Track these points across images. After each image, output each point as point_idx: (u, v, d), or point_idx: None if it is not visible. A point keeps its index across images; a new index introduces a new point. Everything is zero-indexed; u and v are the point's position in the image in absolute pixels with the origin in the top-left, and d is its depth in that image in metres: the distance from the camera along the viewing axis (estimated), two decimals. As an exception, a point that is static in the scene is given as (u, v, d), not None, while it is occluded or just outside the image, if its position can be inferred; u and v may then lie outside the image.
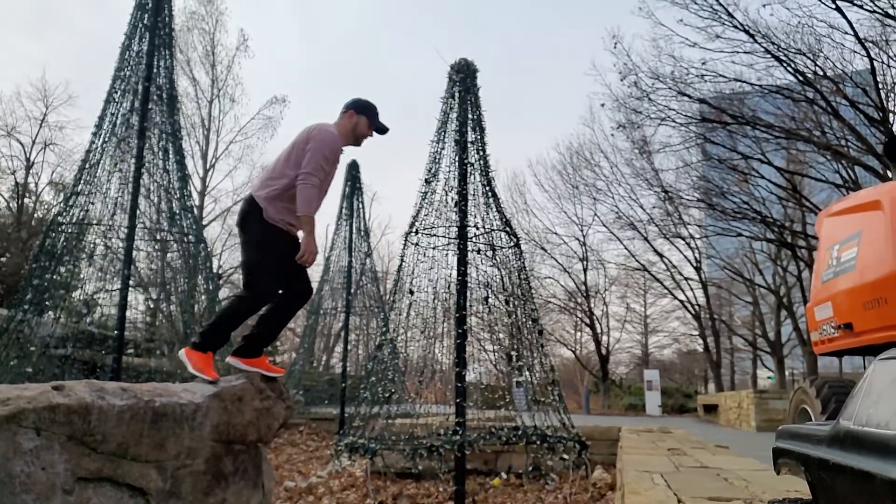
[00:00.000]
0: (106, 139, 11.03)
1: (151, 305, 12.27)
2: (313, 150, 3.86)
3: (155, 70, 11.25)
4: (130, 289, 10.45)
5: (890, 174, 8.34)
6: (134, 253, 10.48)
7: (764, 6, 20.15)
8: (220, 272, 32.40)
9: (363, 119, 4.20)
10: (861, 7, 16.88)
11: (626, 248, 37.83)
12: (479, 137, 10.34)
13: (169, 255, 11.82)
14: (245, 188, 34.91)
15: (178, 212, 11.31)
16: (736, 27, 18.94)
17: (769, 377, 39.61)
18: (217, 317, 4.00)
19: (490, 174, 10.52)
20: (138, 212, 10.49)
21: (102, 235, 10.93)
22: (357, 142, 4.25)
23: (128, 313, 10.31)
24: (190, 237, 11.54)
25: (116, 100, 11.16)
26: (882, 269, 5.61)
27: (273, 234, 3.85)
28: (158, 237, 11.48)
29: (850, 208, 6.74)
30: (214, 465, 3.60)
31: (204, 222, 30.97)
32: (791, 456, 2.05)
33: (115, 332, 10.09)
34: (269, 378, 3.99)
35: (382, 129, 4.30)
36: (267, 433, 4.06)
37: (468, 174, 10.05)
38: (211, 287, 11.85)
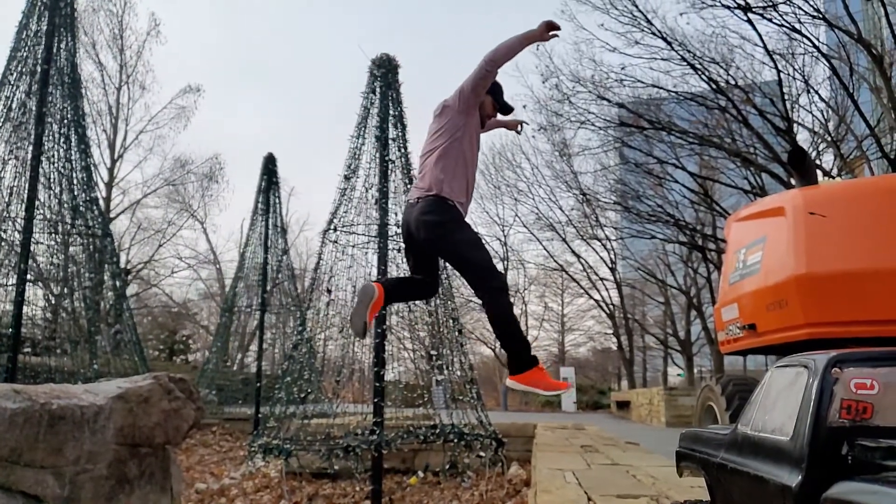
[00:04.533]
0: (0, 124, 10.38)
1: (52, 301, 11.64)
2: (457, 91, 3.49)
3: (55, 52, 10.64)
4: (28, 284, 9.88)
5: (793, 182, 8.72)
6: (32, 246, 9.91)
7: (681, 14, 20.87)
8: (127, 268, 31.16)
9: (488, 98, 3.69)
10: (770, 21, 17.68)
11: (545, 249, 38.53)
12: (400, 134, 10.27)
13: (72, 248, 11.22)
14: (155, 179, 33.72)
15: (81, 203, 10.75)
16: (654, 34, 19.53)
17: (679, 374, 41.07)
18: (506, 335, 3.34)
19: (412, 172, 10.46)
20: (37, 202, 9.91)
21: (-5, 227, 10.28)
22: (481, 122, 3.74)
23: (25, 309, 9.75)
24: (95, 230, 10.99)
25: (12, 82, 10.51)
26: (783, 272, 5.85)
27: (459, 213, 3.44)
28: (60, 230, 10.88)
29: (756, 214, 7.02)
30: (118, 470, 3.45)
31: (111, 215, 29.68)
32: (692, 459, 2.09)
33: (11, 329, 9.52)
34: (179, 378, 3.81)
35: (507, 109, 3.79)
36: (176, 435, 3.91)
37: (389, 171, 9.96)
38: (118, 283, 11.35)
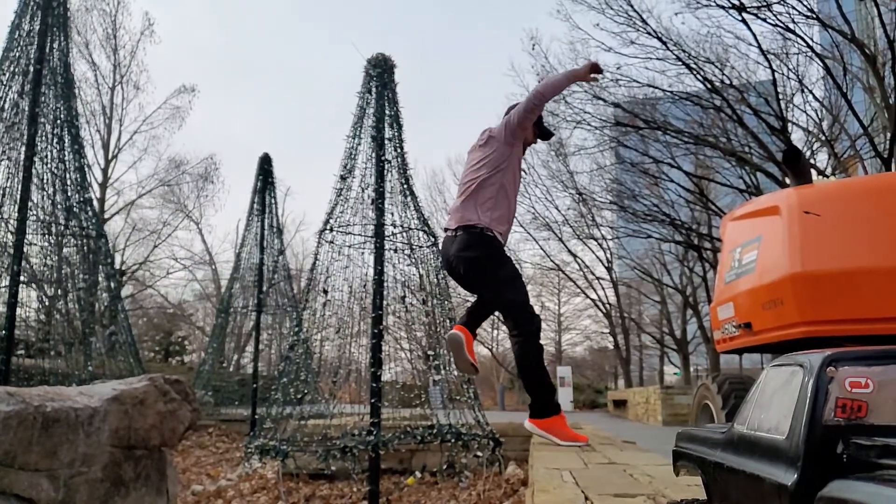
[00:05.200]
0: (-8, 124, 10.35)
1: (46, 303, 11.59)
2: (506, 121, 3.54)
3: (48, 52, 10.59)
4: (22, 285, 9.83)
5: (788, 181, 8.74)
6: (26, 247, 9.87)
7: (676, 14, 20.92)
8: (122, 269, 31.06)
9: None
10: (764, 21, 17.71)
11: (541, 249, 38.41)
12: (396, 134, 10.26)
13: (66, 250, 11.17)
14: (150, 180, 33.66)
15: (75, 204, 10.71)
16: (649, 34, 19.52)
17: (675, 373, 41.10)
18: (531, 378, 3.41)
19: (408, 172, 10.46)
20: (30, 203, 9.87)
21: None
22: (522, 149, 3.83)
23: (19, 311, 9.70)
24: (90, 231, 10.96)
25: (4, 82, 10.47)
26: (779, 271, 5.86)
27: (499, 246, 3.51)
28: (54, 231, 10.83)
29: (751, 213, 7.03)
30: (113, 472, 3.44)
31: (105, 216, 29.60)
32: (689, 458, 2.10)
33: (4, 331, 9.48)
34: (175, 380, 3.81)
35: (548, 134, 3.91)
36: (171, 437, 3.89)
37: (385, 171, 9.95)
38: (112, 284, 11.30)
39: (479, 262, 3.46)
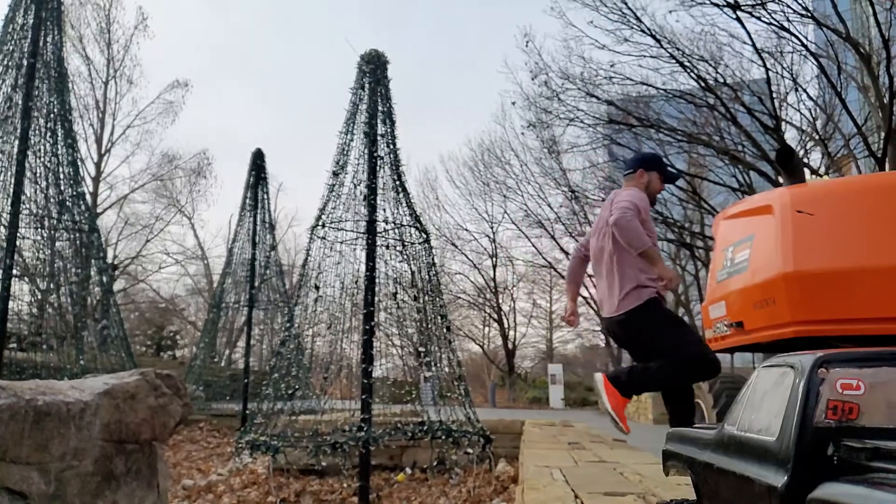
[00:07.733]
0: (-15, 117, 10.32)
1: (38, 297, 11.56)
2: (618, 206, 3.70)
3: (41, 46, 10.57)
4: (14, 279, 9.81)
5: (781, 180, 8.77)
6: (18, 241, 9.85)
7: (670, 12, 20.93)
8: (114, 262, 30.98)
9: (654, 174, 3.97)
10: (759, 19, 17.75)
11: (533, 246, 38.53)
12: (389, 130, 10.24)
13: (58, 243, 11.15)
14: (143, 175, 33.61)
15: (68, 198, 10.68)
16: (643, 32, 19.53)
17: (667, 371, 41.19)
18: (656, 370, 3.69)
19: (400, 168, 10.44)
20: (23, 197, 9.85)
21: (-20, 221, 10.21)
22: (651, 200, 3.99)
23: (11, 305, 9.68)
24: (82, 225, 10.93)
25: (-2, 76, 10.48)
26: (771, 270, 5.88)
27: (650, 304, 3.72)
28: (46, 224, 10.80)
29: (744, 212, 7.04)
30: (104, 466, 3.43)
31: (98, 210, 29.49)
32: (679, 459, 2.12)
33: (-4, 325, 9.48)
34: (166, 374, 3.84)
35: (673, 177, 4.10)
36: (162, 432, 3.89)
37: (378, 167, 9.94)
38: (105, 279, 11.27)
39: (634, 324, 3.81)
